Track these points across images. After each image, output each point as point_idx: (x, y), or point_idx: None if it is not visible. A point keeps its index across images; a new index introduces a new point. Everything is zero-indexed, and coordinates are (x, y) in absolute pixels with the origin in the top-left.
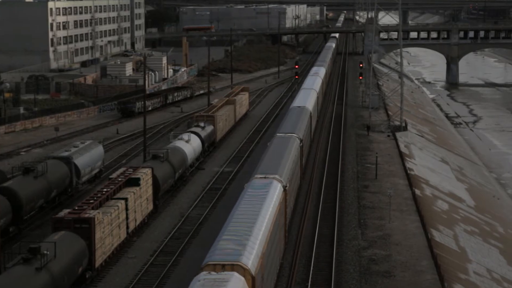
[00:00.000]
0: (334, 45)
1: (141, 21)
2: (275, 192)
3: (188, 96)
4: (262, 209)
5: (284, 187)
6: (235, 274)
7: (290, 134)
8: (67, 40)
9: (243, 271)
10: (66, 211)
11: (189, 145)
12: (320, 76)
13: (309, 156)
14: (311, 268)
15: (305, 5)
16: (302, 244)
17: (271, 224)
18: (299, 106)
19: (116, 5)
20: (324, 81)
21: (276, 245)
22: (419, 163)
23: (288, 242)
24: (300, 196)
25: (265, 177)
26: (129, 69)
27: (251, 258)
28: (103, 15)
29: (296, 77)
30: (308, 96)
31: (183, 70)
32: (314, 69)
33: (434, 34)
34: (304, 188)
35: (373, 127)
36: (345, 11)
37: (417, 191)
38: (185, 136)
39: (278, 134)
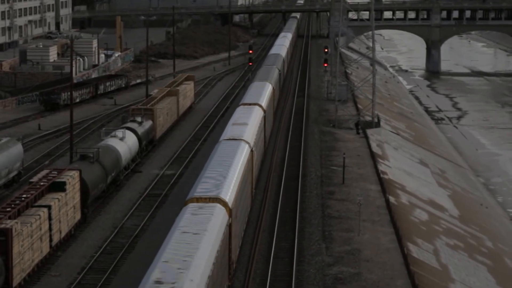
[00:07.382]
0: (296, 20)
1: None
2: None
3: (123, 85)
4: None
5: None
6: (242, 142)
7: (272, 65)
8: None
9: (246, 142)
10: None
11: (124, 143)
12: (288, 38)
13: (264, 160)
14: None
15: None
16: (256, 260)
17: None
18: (274, 53)
19: None
20: (292, 42)
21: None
22: (394, 166)
23: (239, 258)
24: (255, 200)
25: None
26: (53, 54)
27: (249, 138)
28: None
29: (250, 63)
30: (281, 48)
31: (117, 55)
32: (282, 33)
33: (412, 14)
34: (259, 194)
35: (340, 123)
36: None
37: (392, 198)
38: (119, 133)
39: (264, 66)
